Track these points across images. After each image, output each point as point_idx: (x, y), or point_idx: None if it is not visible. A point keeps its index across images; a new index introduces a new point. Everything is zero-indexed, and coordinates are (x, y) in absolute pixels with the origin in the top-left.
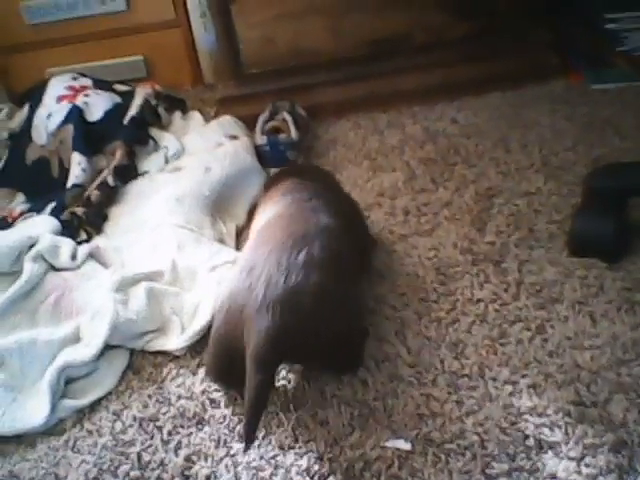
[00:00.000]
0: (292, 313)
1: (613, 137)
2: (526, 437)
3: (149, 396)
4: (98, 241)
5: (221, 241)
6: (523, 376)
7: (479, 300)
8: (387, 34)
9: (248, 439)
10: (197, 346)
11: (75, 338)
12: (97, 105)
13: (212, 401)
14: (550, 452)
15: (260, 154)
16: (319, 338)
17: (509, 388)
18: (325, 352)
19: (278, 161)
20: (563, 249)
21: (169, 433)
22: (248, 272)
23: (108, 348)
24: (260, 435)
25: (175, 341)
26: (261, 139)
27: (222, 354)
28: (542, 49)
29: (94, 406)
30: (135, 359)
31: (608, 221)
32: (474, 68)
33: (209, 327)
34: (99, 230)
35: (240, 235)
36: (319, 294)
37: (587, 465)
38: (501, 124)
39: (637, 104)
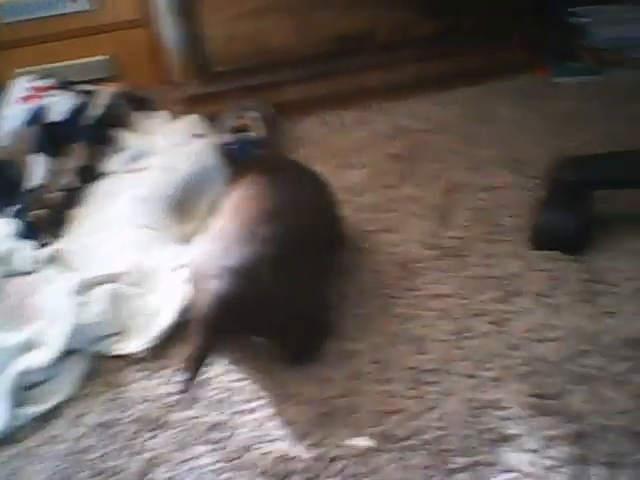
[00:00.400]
0: (246, 281)
1: (577, 130)
2: (487, 431)
3: (110, 400)
4: (61, 243)
5: (186, 241)
6: (485, 369)
7: (443, 295)
8: (352, 31)
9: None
10: (160, 348)
11: (34, 343)
12: (60, 105)
13: (173, 404)
14: (511, 445)
15: (226, 153)
16: (271, 310)
17: (470, 382)
18: (279, 330)
19: (245, 160)
20: (527, 243)
21: (129, 438)
22: (212, 242)
23: (68, 352)
24: (222, 437)
25: (137, 344)
26: (227, 137)
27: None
28: (508, 44)
29: (54, 412)
30: (96, 363)
31: (571, 214)
32: (441, 64)
33: (172, 329)
34: (62, 232)
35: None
36: (278, 267)
37: (547, 457)
38: (467, 119)
39: (601, 97)
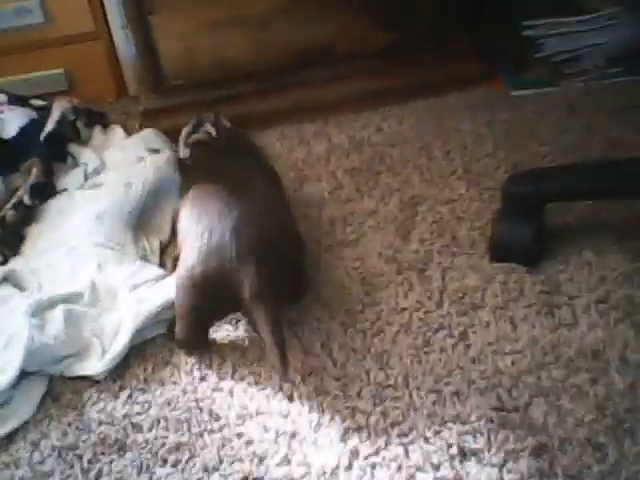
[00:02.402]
0: (266, 252)
1: (532, 142)
2: (450, 446)
3: (68, 424)
4: (14, 263)
5: (144, 258)
6: (446, 384)
7: (403, 309)
8: (309, 45)
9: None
10: (118, 369)
11: None
12: (11, 121)
13: (134, 425)
14: (473, 459)
15: (183, 168)
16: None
17: (433, 397)
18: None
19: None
20: (485, 255)
21: (89, 461)
22: (209, 234)
23: (25, 375)
24: (183, 458)
25: (95, 365)
26: (184, 152)
27: (198, 317)
28: (463, 57)
29: (11, 436)
30: (54, 385)
31: (526, 226)
32: (397, 77)
33: (130, 348)
34: (15, 251)
35: (164, 251)
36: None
37: (509, 471)
38: (424, 132)
39: (555, 109)
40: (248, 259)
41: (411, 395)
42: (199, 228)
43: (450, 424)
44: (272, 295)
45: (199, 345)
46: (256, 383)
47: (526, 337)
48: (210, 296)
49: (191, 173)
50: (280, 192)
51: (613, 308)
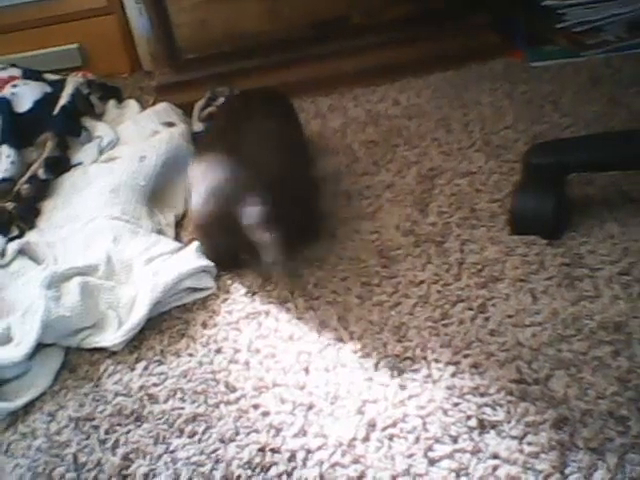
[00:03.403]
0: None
1: (553, 114)
2: (468, 418)
3: (85, 395)
4: (30, 236)
5: (159, 231)
6: (465, 356)
7: (421, 282)
8: (325, 16)
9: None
10: (135, 341)
11: (6, 338)
12: (26, 95)
13: (150, 397)
14: (492, 432)
15: (197, 141)
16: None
17: (451, 369)
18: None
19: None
20: (504, 227)
21: (106, 432)
22: (211, 178)
23: (41, 347)
24: (200, 429)
25: (112, 337)
26: (198, 126)
27: (214, 249)
28: (482, 29)
29: (28, 408)
30: (70, 357)
31: (547, 198)
32: (415, 49)
33: (147, 320)
34: (31, 225)
35: (179, 224)
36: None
37: (529, 443)
38: (442, 104)
39: (576, 80)
40: (247, 196)
41: (429, 367)
42: (204, 175)
43: (469, 396)
44: (272, 226)
45: (228, 265)
46: (272, 355)
47: (547, 309)
48: (216, 233)
49: (203, 142)
50: (295, 137)
51: (636, 280)
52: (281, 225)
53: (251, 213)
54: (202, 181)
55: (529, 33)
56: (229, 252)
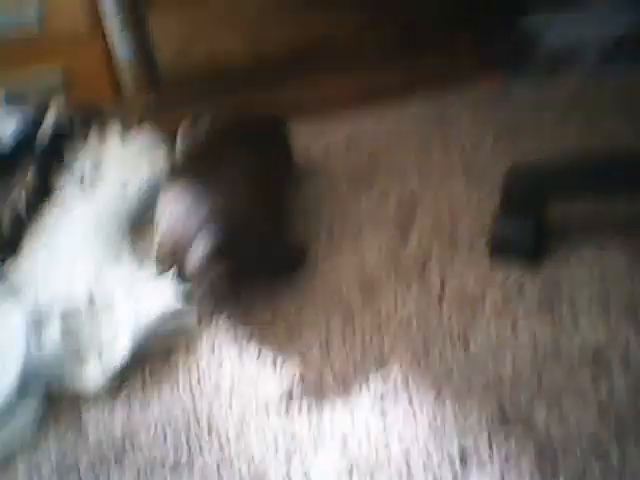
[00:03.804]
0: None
1: (532, 138)
2: (450, 449)
3: (67, 441)
4: (10, 271)
5: (141, 260)
6: (446, 385)
7: (403, 311)
8: (306, 41)
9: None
10: (116, 382)
11: None
12: (8, 121)
13: (132, 441)
14: (474, 465)
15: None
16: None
17: (432, 400)
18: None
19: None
20: (484, 253)
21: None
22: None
23: (21, 388)
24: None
25: (93, 378)
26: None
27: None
28: (462, 53)
29: (8, 459)
30: (51, 399)
31: (526, 223)
32: (395, 73)
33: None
34: (12, 254)
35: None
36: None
37: (511, 475)
38: (423, 128)
39: (555, 103)
40: (197, 236)
41: (411, 399)
42: (170, 200)
43: (450, 428)
44: (216, 261)
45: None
46: (254, 392)
47: (526, 337)
48: (169, 260)
49: (177, 164)
50: (271, 169)
51: (614, 307)
52: (229, 261)
53: (198, 245)
54: (167, 206)
55: (508, 57)
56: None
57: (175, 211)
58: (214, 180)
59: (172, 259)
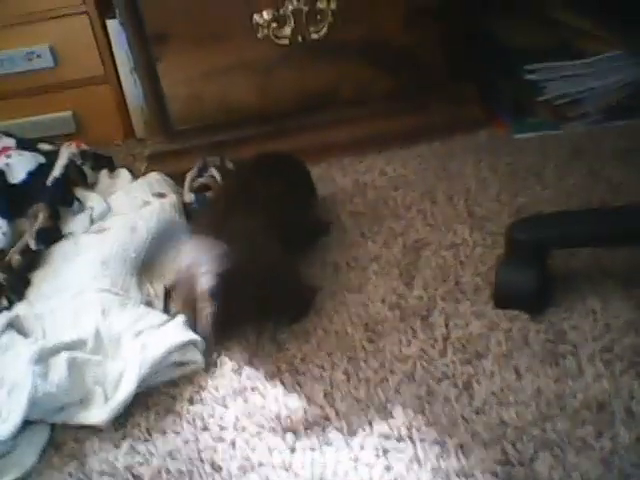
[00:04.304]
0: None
1: (535, 186)
2: None
3: (70, 474)
4: (19, 309)
5: (148, 303)
6: (450, 435)
7: (407, 357)
8: (314, 89)
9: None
10: (121, 417)
11: None
12: (19, 166)
13: (135, 477)
14: None
15: (188, 212)
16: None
17: (437, 449)
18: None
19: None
20: (488, 301)
21: None
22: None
23: (27, 423)
24: None
25: (98, 413)
26: (189, 197)
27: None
28: (467, 101)
29: None
30: (56, 433)
31: (530, 273)
32: (401, 121)
33: (134, 396)
34: (21, 296)
35: (168, 295)
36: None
37: None
38: (428, 175)
39: (558, 153)
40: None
41: (415, 447)
42: (191, 253)
43: (454, 478)
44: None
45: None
46: (258, 434)
47: (530, 387)
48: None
49: (199, 219)
50: (289, 218)
51: (618, 358)
52: (229, 301)
53: (202, 280)
54: (187, 257)
55: (512, 105)
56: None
57: (190, 255)
58: (233, 224)
59: (182, 301)
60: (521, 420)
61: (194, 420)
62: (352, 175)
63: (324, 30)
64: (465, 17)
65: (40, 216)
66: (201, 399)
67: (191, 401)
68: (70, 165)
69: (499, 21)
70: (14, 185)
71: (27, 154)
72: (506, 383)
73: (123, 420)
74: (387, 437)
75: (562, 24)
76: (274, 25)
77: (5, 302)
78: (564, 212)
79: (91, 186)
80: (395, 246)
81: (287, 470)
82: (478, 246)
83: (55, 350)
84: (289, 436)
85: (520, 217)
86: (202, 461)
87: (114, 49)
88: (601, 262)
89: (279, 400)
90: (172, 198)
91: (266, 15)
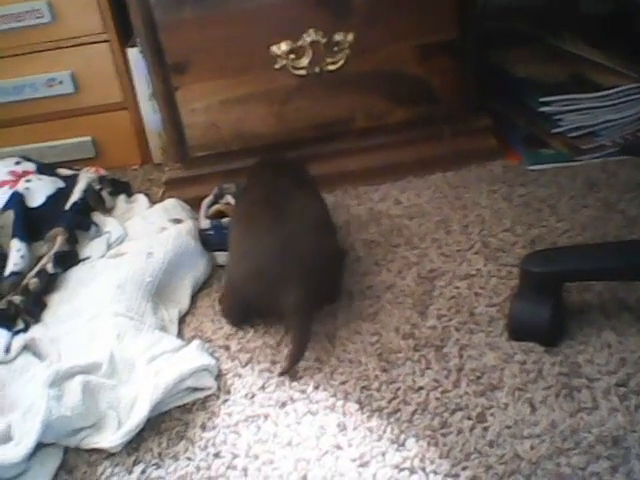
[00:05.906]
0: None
1: (550, 217)
2: None
3: None
4: (35, 331)
5: (163, 328)
6: (464, 468)
7: (420, 388)
8: (330, 118)
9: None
10: (133, 442)
11: (6, 437)
12: (39, 190)
13: None
14: None
15: (204, 238)
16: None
17: None
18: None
19: (221, 246)
20: (503, 333)
21: None
22: (253, 254)
23: (40, 446)
24: None
25: (111, 438)
26: (205, 223)
27: (238, 314)
28: (481, 132)
29: None
30: (68, 457)
31: (544, 306)
32: (416, 150)
33: (146, 421)
34: (37, 319)
35: (182, 320)
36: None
37: None
38: (442, 205)
39: (572, 185)
40: (289, 283)
41: (428, 479)
42: (245, 246)
43: None
44: (308, 312)
45: (240, 324)
46: (270, 462)
47: (545, 421)
48: (249, 305)
49: (240, 202)
50: (320, 209)
51: (633, 392)
52: (311, 304)
53: (291, 300)
54: (240, 246)
55: (527, 137)
56: (248, 316)
57: (254, 253)
58: (283, 226)
59: (253, 297)
60: (535, 454)
61: (206, 446)
62: (367, 204)
63: (341, 61)
64: (480, 49)
65: (58, 240)
66: (214, 425)
67: (203, 427)
68: (89, 190)
69: (513, 53)
70: (33, 209)
71: (46, 178)
72: (520, 416)
73: (136, 445)
74: (400, 468)
75: (576, 56)
76: (292, 56)
77: (21, 324)
78: (579, 245)
79: (109, 211)
80: (409, 275)
81: None
82: (492, 277)
83: (70, 373)
84: (301, 465)
85: (535, 249)
86: None
87: (134, 76)
88: (617, 295)
89: (291, 428)
90: (188, 224)
91: (284, 46)
